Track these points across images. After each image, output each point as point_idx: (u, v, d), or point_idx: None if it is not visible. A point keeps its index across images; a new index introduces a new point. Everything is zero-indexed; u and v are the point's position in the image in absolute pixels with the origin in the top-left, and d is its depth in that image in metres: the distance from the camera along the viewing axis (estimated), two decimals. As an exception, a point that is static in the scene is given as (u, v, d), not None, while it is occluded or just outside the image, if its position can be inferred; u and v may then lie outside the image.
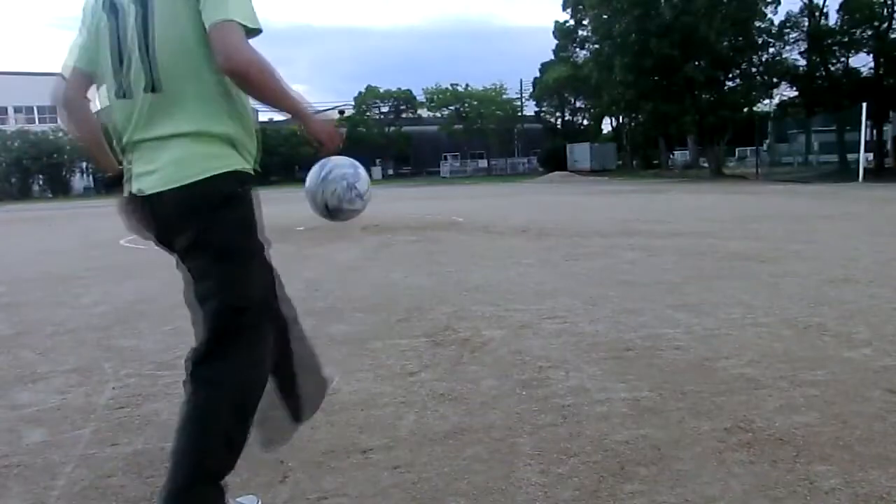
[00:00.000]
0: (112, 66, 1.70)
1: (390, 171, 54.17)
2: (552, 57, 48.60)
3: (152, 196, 1.66)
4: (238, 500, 1.89)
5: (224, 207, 1.66)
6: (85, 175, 48.53)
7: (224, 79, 1.63)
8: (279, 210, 17.53)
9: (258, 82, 1.59)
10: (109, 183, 1.96)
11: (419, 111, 53.87)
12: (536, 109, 55.89)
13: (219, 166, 1.66)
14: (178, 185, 1.62)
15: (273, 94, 1.63)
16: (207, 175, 1.63)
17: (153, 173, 1.65)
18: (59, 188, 44.58)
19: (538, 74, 51.75)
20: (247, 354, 1.73)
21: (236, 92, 1.69)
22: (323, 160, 1.99)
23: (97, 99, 1.85)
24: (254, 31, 1.62)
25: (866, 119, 23.05)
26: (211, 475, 1.67)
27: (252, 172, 1.76)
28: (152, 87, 1.64)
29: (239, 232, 1.70)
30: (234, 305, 1.69)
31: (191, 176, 1.62)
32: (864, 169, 22.48)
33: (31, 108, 50.38)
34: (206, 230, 1.66)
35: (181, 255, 1.75)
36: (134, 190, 1.72)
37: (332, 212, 2.01)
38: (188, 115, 1.64)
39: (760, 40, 30.02)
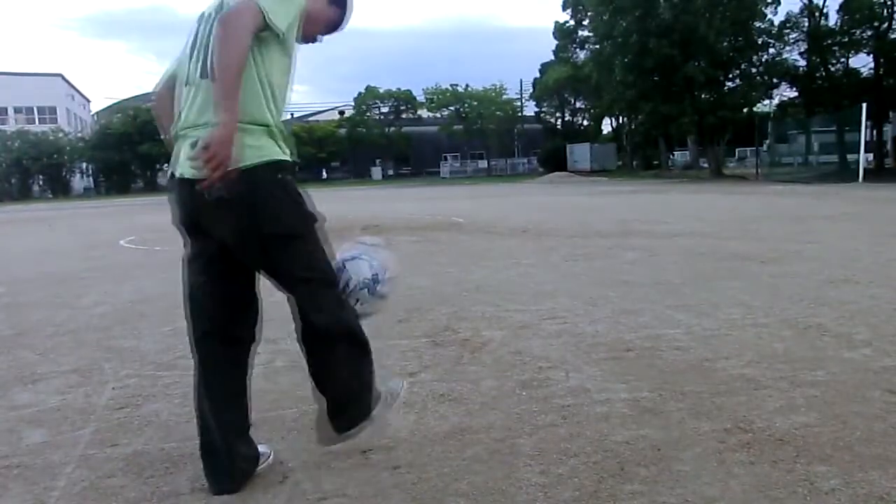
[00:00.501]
0: (187, 60, 1.90)
1: (390, 172, 54.20)
2: (552, 57, 48.60)
3: (193, 181, 1.76)
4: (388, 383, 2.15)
5: (266, 198, 1.79)
6: (85, 175, 48.57)
7: (270, 78, 1.81)
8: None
9: (223, 41, 1.69)
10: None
11: (419, 112, 53.87)
12: (536, 110, 55.89)
13: (260, 156, 1.78)
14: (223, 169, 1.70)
15: (226, 66, 1.68)
16: (247, 165, 1.74)
17: (198, 159, 1.72)
18: (59, 188, 44.61)
19: (538, 75, 51.75)
20: (333, 307, 1.93)
21: (279, 90, 1.85)
22: (337, 266, 2.06)
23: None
24: (268, 27, 1.74)
25: (866, 119, 23.03)
26: (364, 385, 2.03)
27: (290, 161, 1.87)
28: (207, 73, 1.79)
29: (288, 219, 1.84)
30: (304, 278, 1.88)
31: (231, 165, 1.69)
32: (864, 169, 22.46)
33: (32, 109, 50.40)
34: (251, 221, 1.79)
35: (222, 242, 1.86)
36: (177, 173, 1.84)
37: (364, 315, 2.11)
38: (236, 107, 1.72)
39: (760, 40, 30.00)
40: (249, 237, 1.82)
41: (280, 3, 1.78)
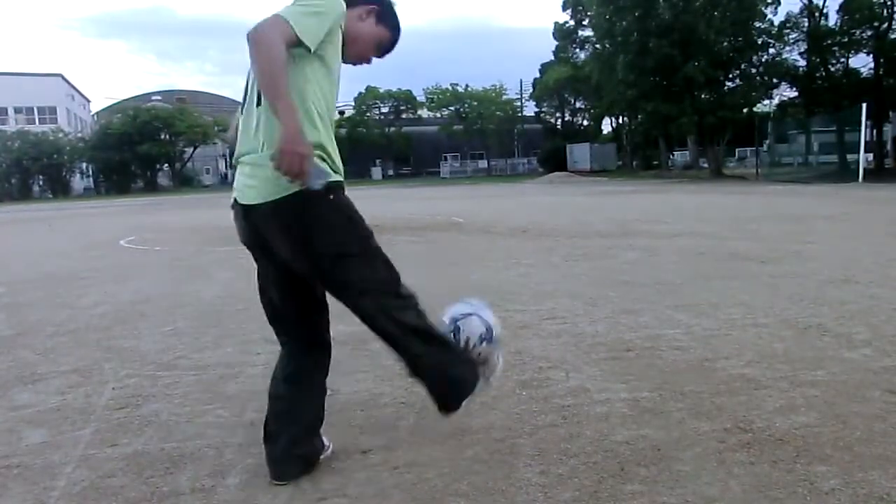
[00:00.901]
0: (244, 87, 1.98)
1: (390, 172, 54.23)
2: (552, 58, 48.61)
3: (251, 208, 1.89)
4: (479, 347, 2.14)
5: (317, 219, 1.85)
6: (85, 175, 48.57)
7: (316, 97, 1.85)
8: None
9: (256, 59, 1.73)
10: None
11: (419, 111, 53.89)
12: (536, 110, 55.92)
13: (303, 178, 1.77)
14: (270, 199, 1.83)
15: (263, 78, 1.74)
16: (297, 189, 1.79)
17: (253, 188, 1.87)
18: (59, 188, 44.62)
19: (538, 75, 51.76)
20: (398, 314, 1.98)
21: (326, 109, 1.89)
22: (452, 327, 2.15)
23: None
24: (300, 42, 1.76)
25: (866, 119, 23.04)
26: (460, 359, 2.09)
27: (341, 180, 1.92)
28: (258, 101, 1.87)
29: (339, 237, 1.88)
30: (362, 291, 1.94)
31: (283, 191, 1.80)
32: (864, 169, 22.46)
33: (32, 109, 50.39)
34: (305, 242, 1.86)
35: (286, 262, 1.94)
36: (237, 198, 1.95)
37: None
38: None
39: (760, 41, 29.99)
40: (305, 256, 1.90)
41: (308, 17, 1.78)
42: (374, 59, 2.17)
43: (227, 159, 54.18)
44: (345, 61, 2.02)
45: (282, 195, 1.81)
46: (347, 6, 1.93)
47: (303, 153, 1.70)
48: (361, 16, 2.04)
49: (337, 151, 1.93)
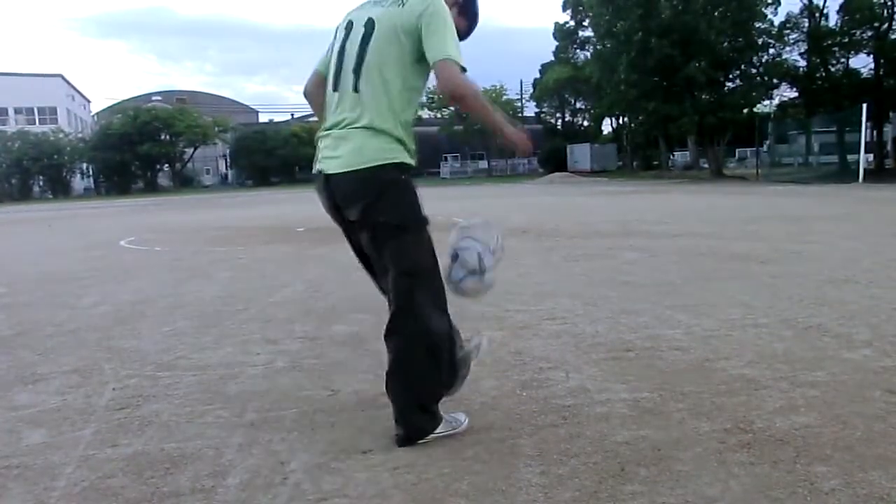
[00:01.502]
0: (333, 66, 2.20)
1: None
2: (552, 58, 48.60)
3: (333, 176, 2.11)
4: (452, 414, 2.31)
5: (388, 191, 2.08)
6: (85, 176, 48.57)
7: (404, 95, 2.12)
8: (279, 211, 17.55)
9: (473, 106, 2.10)
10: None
11: (419, 112, 53.83)
12: (536, 110, 55.92)
13: (388, 157, 2.08)
14: (352, 168, 2.07)
15: (482, 113, 2.10)
16: (377, 163, 2.06)
17: (338, 158, 2.10)
18: (60, 189, 44.62)
19: (538, 75, 51.75)
20: (425, 307, 2.13)
21: (410, 105, 2.14)
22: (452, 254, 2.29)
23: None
24: (463, 69, 2.04)
25: (866, 120, 23.02)
26: (422, 406, 2.20)
27: (413, 164, 2.16)
28: (355, 88, 2.11)
29: (402, 211, 2.12)
30: (405, 271, 2.12)
31: (364, 163, 2.06)
32: (865, 170, 22.44)
33: (32, 109, 50.41)
34: (372, 208, 2.08)
35: (351, 227, 2.20)
36: (320, 169, 2.16)
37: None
38: (372, 116, 2.08)
39: (760, 41, 29.98)
40: (367, 222, 2.12)
41: (457, 46, 2.07)
42: None
43: (227, 160, 54.30)
44: None
45: (362, 166, 2.06)
46: None
47: (525, 136, 2.15)
48: (448, 6, 2.18)
49: (414, 143, 2.19)
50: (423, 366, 2.16)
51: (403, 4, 2.09)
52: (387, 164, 2.07)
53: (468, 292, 2.29)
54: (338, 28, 2.26)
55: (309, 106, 2.44)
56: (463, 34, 2.27)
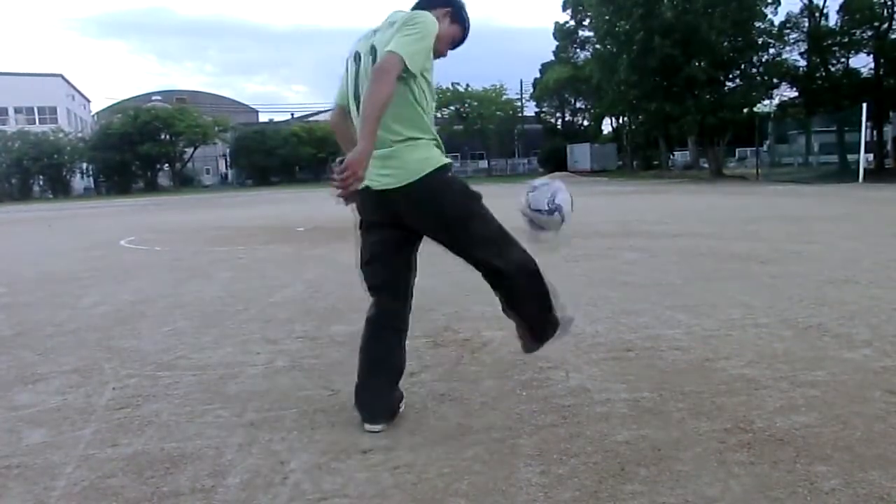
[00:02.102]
0: (353, 95, 2.37)
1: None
2: (552, 58, 48.60)
3: (386, 191, 2.29)
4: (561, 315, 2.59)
5: (443, 192, 2.31)
6: (85, 176, 48.56)
7: (423, 103, 2.29)
8: (279, 211, 17.55)
9: (371, 93, 2.10)
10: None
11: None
12: (536, 110, 55.93)
13: (433, 164, 2.29)
14: (406, 182, 2.26)
15: (368, 108, 2.09)
16: (426, 172, 2.27)
17: (388, 176, 2.28)
18: (60, 188, 44.59)
19: (538, 75, 51.76)
20: (508, 254, 2.40)
21: (430, 108, 2.34)
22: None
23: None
24: (407, 71, 2.16)
25: (866, 120, 23.02)
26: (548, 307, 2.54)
27: (449, 161, 2.36)
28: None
29: (461, 202, 2.35)
30: (484, 243, 2.37)
31: (413, 175, 2.26)
32: (864, 169, 22.45)
33: (32, 109, 50.39)
34: (440, 210, 2.31)
35: (415, 232, 2.40)
36: (369, 186, 2.27)
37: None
38: (403, 128, 2.27)
39: (760, 41, 29.98)
40: (440, 224, 2.34)
41: (415, 47, 2.17)
42: (446, 54, 2.53)
43: (227, 160, 54.30)
44: None
45: (413, 179, 2.25)
46: (425, 7, 2.35)
47: (360, 176, 2.06)
48: (439, 17, 2.34)
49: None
50: (534, 292, 2.48)
51: (392, 25, 2.26)
52: (433, 171, 2.30)
53: (545, 225, 2.60)
54: (347, 61, 2.43)
55: (333, 130, 2.62)
56: (458, 41, 2.51)
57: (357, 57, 2.37)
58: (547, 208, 2.58)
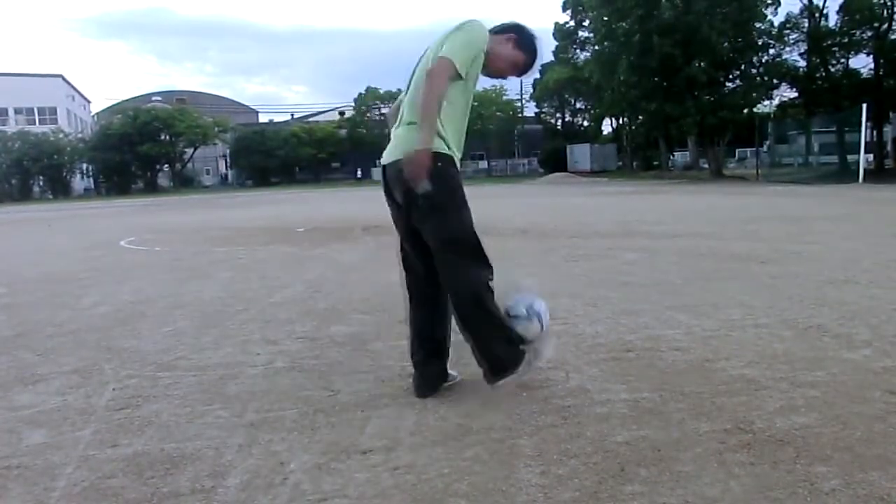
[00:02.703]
0: (406, 86, 2.64)
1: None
2: (552, 58, 48.59)
3: (387, 165, 2.58)
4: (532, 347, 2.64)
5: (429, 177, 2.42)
6: (85, 176, 48.57)
7: (447, 97, 2.45)
8: (279, 211, 17.55)
9: (426, 94, 2.40)
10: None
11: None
12: (536, 111, 55.97)
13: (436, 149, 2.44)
14: (395, 159, 2.50)
15: (424, 108, 2.40)
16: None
17: (389, 152, 2.57)
18: (60, 189, 44.61)
19: (538, 75, 51.72)
20: (461, 270, 2.52)
21: (449, 106, 2.48)
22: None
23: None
24: (457, 76, 2.43)
25: (866, 120, 23.04)
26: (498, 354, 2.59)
27: (450, 155, 2.51)
28: (408, 91, 2.59)
29: (441, 193, 2.46)
30: (444, 240, 2.50)
31: (401, 154, 2.45)
32: (864, 170, 22.46)
33: (32, 110, 50.42)
34: (410, 189, 2.45)
35: (401, 207, 2.57)
36: (384, 160, 2.58)
37: None
38: (416, 115, 2.48)
39: (761, 41, 30.00)
40: (412, 202, 2.49)
41: (464, 52, 2.43)
42: (516, 78, 2.84)
43: (227, 160, 54.31)
44: (486, 74, 2.66)
45: (401, 157, 2.45)
46: (495, 32, 2.62)
47: (425, 167, 2.35)
48: (502, 41, 2.62)
49: (458, 139, 2.57)
50: (477, 320, 2.56)
51: (450, 32, 2.51)
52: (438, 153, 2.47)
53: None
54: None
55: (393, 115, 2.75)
56: (523, 67, 2.73)
57: (424, 55, 2.62)
58: (525, 314, 2.62)
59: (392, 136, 2.60)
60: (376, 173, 51.32)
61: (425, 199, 2.44)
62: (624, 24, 29.31)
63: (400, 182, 2.48)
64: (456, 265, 2.50)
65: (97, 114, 61.79)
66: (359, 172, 50.20)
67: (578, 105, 54.10)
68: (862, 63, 29.99)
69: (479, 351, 2.57)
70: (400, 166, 2.44)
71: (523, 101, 54.39)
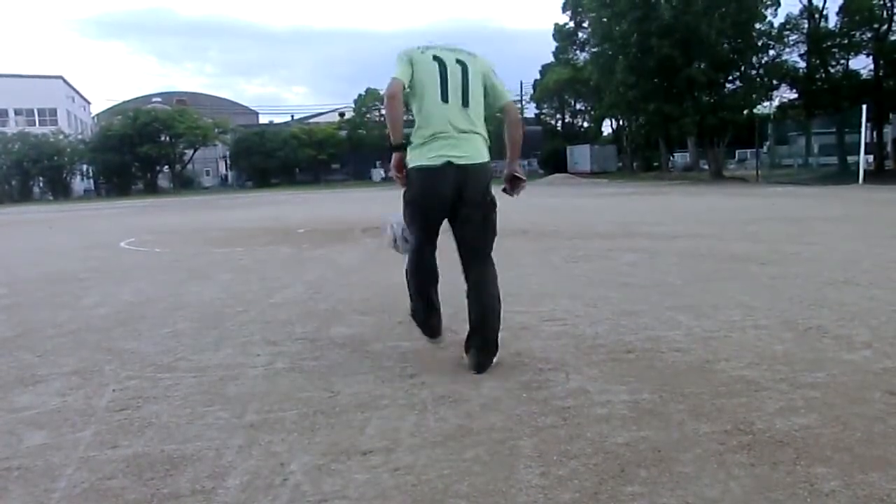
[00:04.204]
0: (439, 87, 2.96)
1: (391, 174, 54.09)
2: (552, 59, 48.61)
3: (463, 166, 2.95)
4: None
5: (491, 179, 3.06)
6: (85, 177, 48.57)
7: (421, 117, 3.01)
8: (279, 212, 17.56)
9: (519, 130, 3.22)
10: (396, 147, 3.00)
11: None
12: (536, 111, 55.90)
13: (487, 155, 3.06)
14: (479, 161, 3.01)
15: (518, 142, 3.22)
16: (488, 159, 3.05)
17: (466, 154, 2.96)
18: (60, 190, 44.58)
19: (538, 76, 51.76)
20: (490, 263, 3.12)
21: (434, 117, 2.98)
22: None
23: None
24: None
25: (866, 121, 23.05)
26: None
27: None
28: (465, 103, 2.99)
29: (492, 192, 3.06)
30: (494, 227, 3.10)
31: (484, 158, 3.04)
32: (864, 171, 22.47)
33: (32, 111, 50.40)
34: (489, 191, 3.04)
35: (463, 204, 2.98)
36: (455, 160, 2.94)
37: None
38: (480, 125, 3.05)
39: (760, 42, 29.99)
40: (485, 198, 3.04)
41: (396, 67, 3.00)
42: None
43: (227, 161, 54.30)
44: None
45: (483, 160, 3.03)
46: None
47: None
48: None
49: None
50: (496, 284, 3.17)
51: (476, 57, 3.07)
52: (489, 160, 3.07)
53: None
54: (415, 58, 2.99)
55: (388, 104, 3.00)
56: None
57: (439, 60, 2.99)
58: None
59: (450, 138, 2.94)
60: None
61: (491, 198, 3.04)
62: (620, 27, 29.30)
63: (482, 183, 3.00)
64: (488, 255, 3.11)
65: (97, 115, 61.79)
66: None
67: (578, 106, 54.06)
68: (862, 64, 30.02)
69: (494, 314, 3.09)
70: (486, 171, 3.03)
71: (523, 102, 54.35)
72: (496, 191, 3.07)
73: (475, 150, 2.98)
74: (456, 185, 2.92)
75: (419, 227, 3.08)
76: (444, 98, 2.94)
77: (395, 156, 3.00)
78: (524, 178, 3.21)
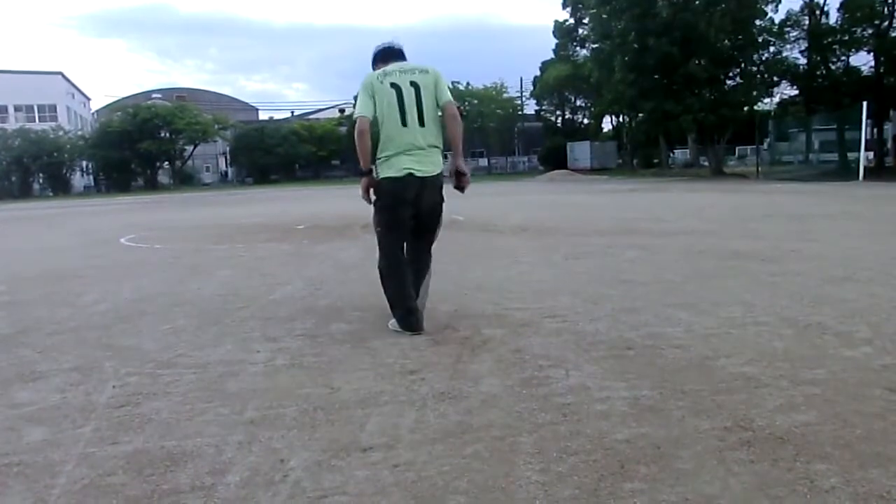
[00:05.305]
0: (398, 112, 3.52)
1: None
2: (552, 55, 48.54)
3: (426, 178, 3.56)
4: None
5: (443, 184, 3.66)
6: (85, 173, 48.53)
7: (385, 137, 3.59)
8: (279, 209, 17.55)
9: (459, 130, 3.66)
10: (366, 173, 3.62)
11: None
12: (537, 108, 55.83)
13: (441, 165, 3.60)
14: (434, 174, 3.59)
15: (461, 136, 3.67)
16: (441, 169, 3.59)
17: (424, 168, 3.55)
18: (60, 186, 44.57)
19: (538, 73, 51.69)
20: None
21: (399, 134, 3.56)
22: None
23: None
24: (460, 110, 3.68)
25: (867, 118, 23.01)
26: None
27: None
28: (422, 123, 3.54)
29: (442, 197, 3.72)
30: (437, 227, 3.82)
31: (438, 169, 3.59)
32: (865, 168, 22.44)
33: (32, 107, 50.35)
34: (441, 194, 3.68)
35: (421, 208, 3.62)
36: (416, 172, 3.53)
37: None
38: (435, 138, 3.60)
39: (761, 39, 29.94)
40: (438, 201, 3.70)
41: (360, 100, 3.60)
42: None
43: (227, 157, 54.27)
44: None
45: (439, 171, 3.61)
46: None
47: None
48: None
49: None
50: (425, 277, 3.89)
51: (427, 72, 3.57)
52: (442, 170, 3.64)
53: None
54: (376, 87, 3.53)
55: (359, 139, 3.52)
56: None
57: (396, 87, 3.50)
58: None
59: (412, 153, 3.53)
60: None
61: (441, 204, 3.71)
62: (619, 24, 29.24)
63: (436, 190, 3.62)
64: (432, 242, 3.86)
65: (97, 111, 61.72)
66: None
67: (578, 102, 53.95)
68: (862, 60, 29.95)
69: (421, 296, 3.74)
70: (439, 180, 3.62)
71: (523, 99, 54.33)
72: (447, 189, 3.71)
73: (432, 165, 3.57)
74: (416, 191, 3.55)
75: (391, 227, 3.64)
76: (404, 122, 3.50)
77: (364, 179, 3.61)
78: (467, 172, 3.69)
